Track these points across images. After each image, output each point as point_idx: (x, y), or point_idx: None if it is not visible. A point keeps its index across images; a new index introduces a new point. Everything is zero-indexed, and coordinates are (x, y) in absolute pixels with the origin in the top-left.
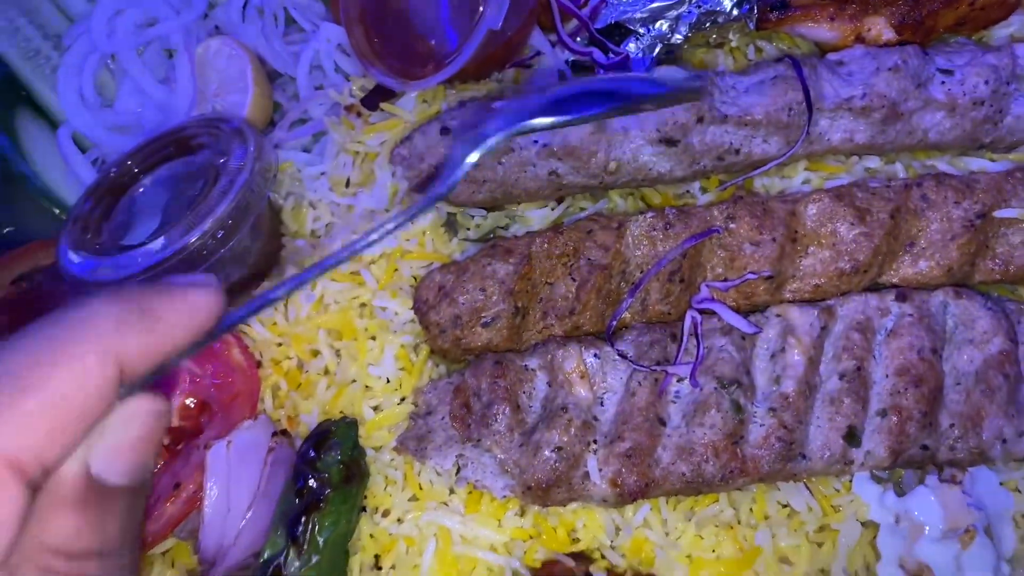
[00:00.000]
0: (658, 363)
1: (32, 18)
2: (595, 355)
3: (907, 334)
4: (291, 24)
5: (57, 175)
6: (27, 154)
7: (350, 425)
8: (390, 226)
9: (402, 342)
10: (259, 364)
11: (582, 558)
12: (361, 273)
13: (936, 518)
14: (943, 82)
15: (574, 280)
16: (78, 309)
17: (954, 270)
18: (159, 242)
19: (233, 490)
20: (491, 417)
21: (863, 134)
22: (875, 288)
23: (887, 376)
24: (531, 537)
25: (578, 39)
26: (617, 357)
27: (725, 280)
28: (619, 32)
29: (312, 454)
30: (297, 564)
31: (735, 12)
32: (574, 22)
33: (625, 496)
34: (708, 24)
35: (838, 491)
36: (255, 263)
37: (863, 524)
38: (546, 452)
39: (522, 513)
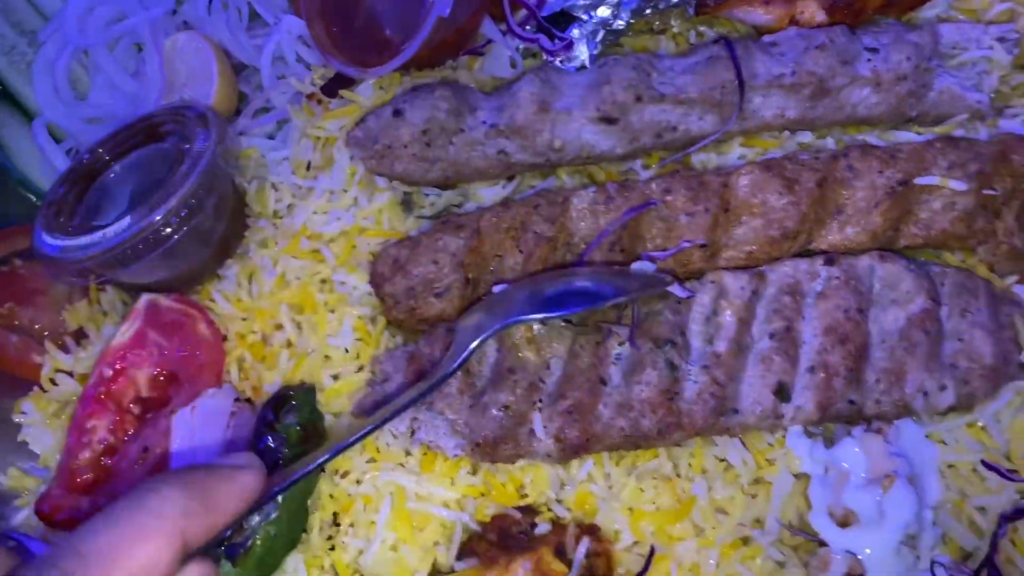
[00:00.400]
0: (598, 327)
1: (8, 16)
2: (542, 323)
3: (834, 296)
4: (256, 19)
5: (34, 165)
6: (5, 146)
7: (308, 390)
8: (405, 401)
9: (359, 314)
10: (225, 338)
11: (529, 511)
12: (321, 250)
13: (860, 466)
14: (869, 59)
15: (522, 252)
16: (151, 496)
17: (879, 235)
18: (125, 221)
19: (197, 452)
20: (444, 385)
21: (794, 110)
22: (805, 254)
23: (815, 335)
24: (482, 494)
25: (527, 27)
26: (563, 323)
27: (664, 250)
28: (564, 19)
29: (271, 417)
30: (257, 519)
31: None
32: (523, 11)
33: (568, 451)
34: (649, 10)
35: (772, 446)
36: (219, 243)
37: (796, 476)
38: (493, 411)
39: (474, 472)
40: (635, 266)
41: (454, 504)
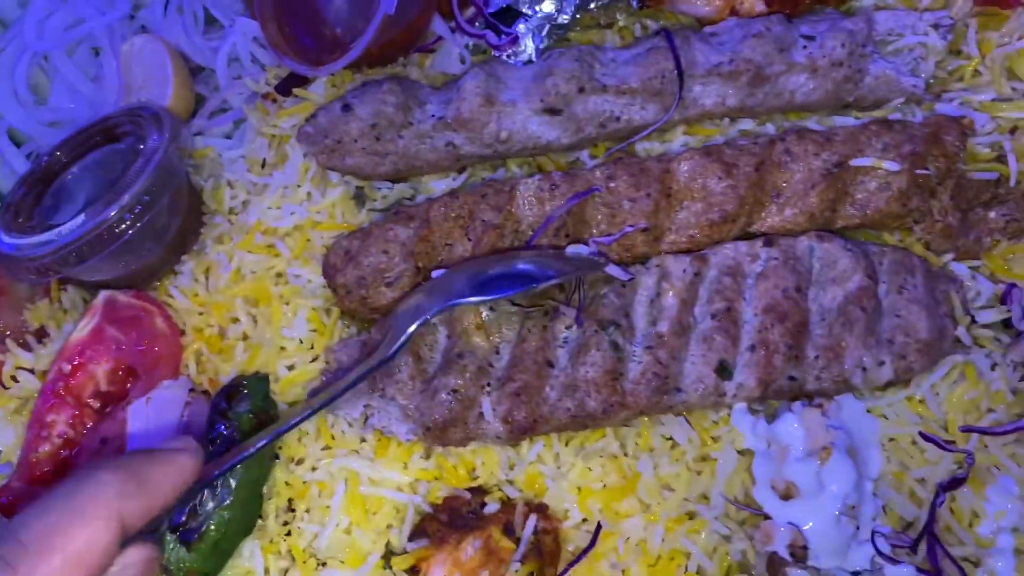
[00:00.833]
0: (546, 312)
1: None
2: (491, 308)
3: (774, 276)
4: (212, 22)
5: None
6: None
7: (260, 379)
8: (343, 386)
9: (313, 305)
10: (183, 332)
11: (480, 492)
12: (276, 245)
13: (799, 440)
14: (805, 46)
15: (470, 240)
16: (87, 480)
17: (816, 216)
18: (80, 219)
19: (152, 441)
20: (395, 368)
21: (734, 97)
22: (746, 237)
23: (756, 315)
24: (436, 478)
25: (476, 24)
26: (512, 309)
27: (609, 235)
28: (511, 15)
29: (224, 405)
30: (211, 504)
31: None
32: (472, 8)
33: (516, 432)
34: (594, 4)
35: (716, 423)
36: (175, 240)
37: (740, 452)
38: (443, 395)
39: (427, 456)
40: (570, 249)
41: (407, 487)
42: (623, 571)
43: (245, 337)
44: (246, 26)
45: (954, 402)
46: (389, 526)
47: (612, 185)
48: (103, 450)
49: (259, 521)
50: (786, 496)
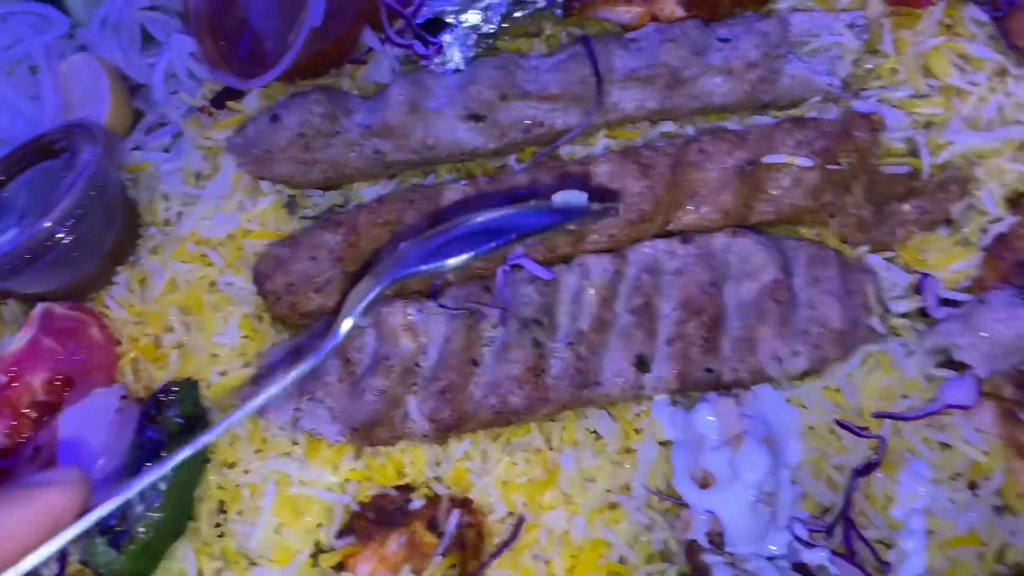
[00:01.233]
0: (472, 312)
1: None
2: (418, 310)
3: (690, 271)
4: (149, 40)
5: None
6: None
7: (190, 384)
8: (292, 376)
9: (245, 311)
10: (118, 342)
11: (408, 490)
12: (208, 254)
13: (713, 429)
14: (720, 49)
15: (397, 238)
16: None
17: (731, 213)
18: (12, 232)
19: (83, 447)
20: (324, 371)
21: (653, 101)
22: (665, 235)
23: (673, 310)
24: (365, 478)
25: (404, 35)
26: (439, 311)
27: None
28: (438, 25)
29: (154, 411)
30: (141, 507)
31: (542, 2)
32: (402, 20)
33: (442, 430)
34: (519, 13)
35: (639, 415)
36: (111, 251)
37: (662, 443)
38: (369, 396)
39: (357, 456)
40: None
41: (337, 488)
42: (546, 562)
43: (180, 345)
44: (182, 42)
45: (869, 390)
46: (319, 525)
47: (535, 187)
48: (36, 458)
49: (191, 523)
50: (704, 485)
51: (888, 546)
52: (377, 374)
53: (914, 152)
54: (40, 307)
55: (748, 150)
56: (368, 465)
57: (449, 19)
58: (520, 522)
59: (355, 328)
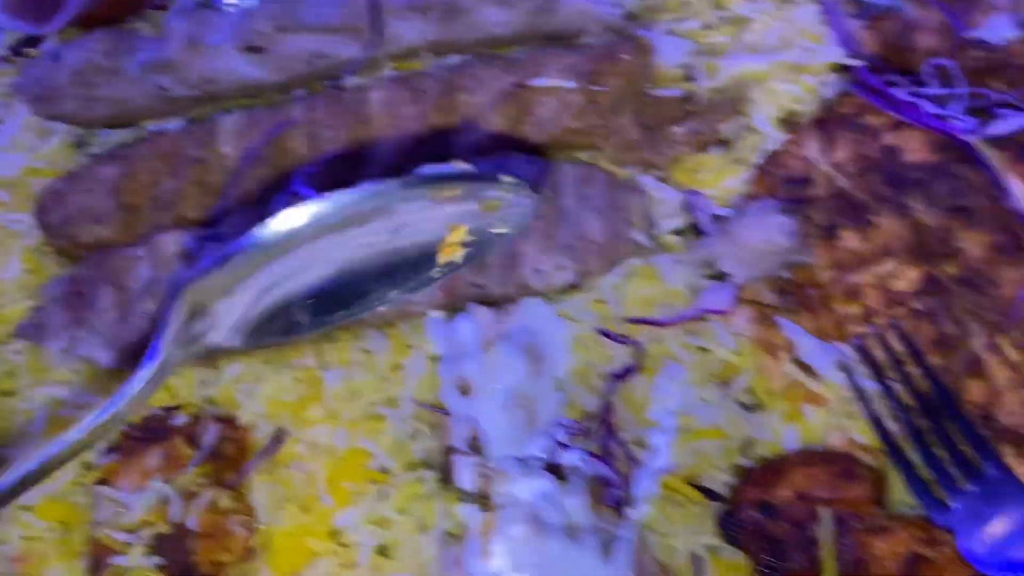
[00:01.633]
0: None
1: None
2: (192, 238)
3: None
4: None
5: None
6: None
7: None
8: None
9: (26, 245)
10: None
11: (177, 410)
12: None
13: (471, 337)
14: None
15: (175, 177)
16: None
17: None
18: None
19: None
20: (98, 300)
21: (431, 32)
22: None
23: None
24: None
25: None
26: (214, 241)
27: (311, 165)
28: None
29: None
30: None
31: None
32: None
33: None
34: None
35: (411, 332)
36: None
37: (432, 358)
38: (137, 319)
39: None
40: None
41: None
42: (307, 474)
43: None
44: None
45: (634, 301)
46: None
47: (312, 115)
48: None
49: None
50: (464, 392)
51: (644, 447)
52: (146, 299)
53: (690, 77)
54: None
55: (517, 75)
56: None
57: None
58: (280, 433)
59: (131, 259)
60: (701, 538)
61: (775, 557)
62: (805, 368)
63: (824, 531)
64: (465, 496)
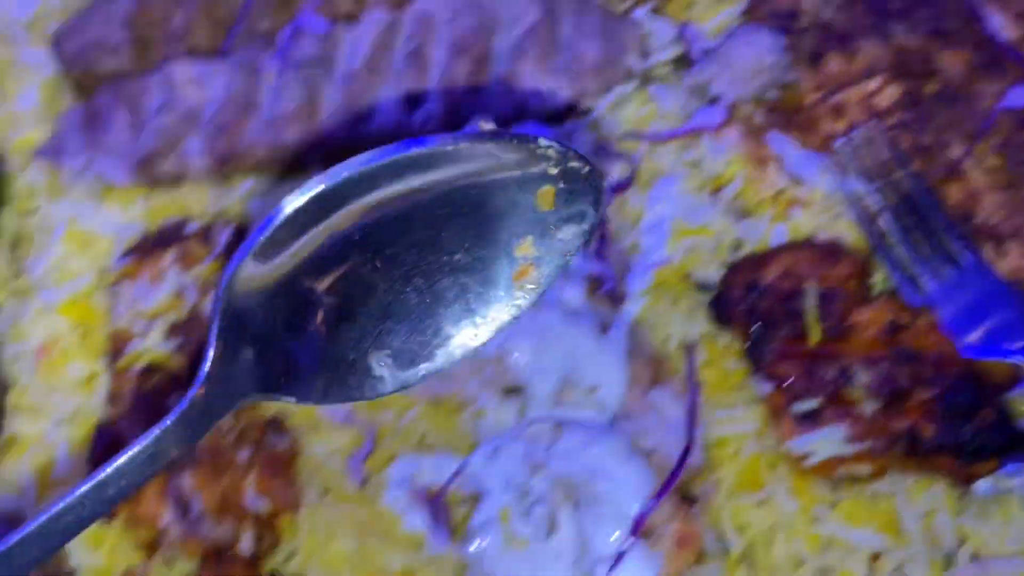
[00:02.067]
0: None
1: None
2: (204, 64)
3: (461, 19)
4: None
5: None
6: None
7: None
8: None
9: (44, 77)
10: None
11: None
12: (16, 34)
13: None
14: None
15: (186, 9)
16: None
17: None
18: None
19: None
20: (113, 122)
21: None
22: None
23: (444, 53)
24: (153, 216)
25: None
26: (224, 66)
27: None
28: None
29: None
30: None
31: None
32: None
33: (219, 163)
34: None
35: None
36: None
37: None
38: (152, 135)
39: (147, 199)
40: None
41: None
42: None
43: None
44: None
45: (627, 123)
46: (106, 254)
47: None
48: None
49: None
50: None
51: (638, 251)
52: (162, 117)
53: None
54: None
55: None
56: (153, 207)
57: None
58: None
59: (146, 84)
60: (693, 328)
61: (764, 329)
62: (792, 177)
63: (809, 301)
64: None
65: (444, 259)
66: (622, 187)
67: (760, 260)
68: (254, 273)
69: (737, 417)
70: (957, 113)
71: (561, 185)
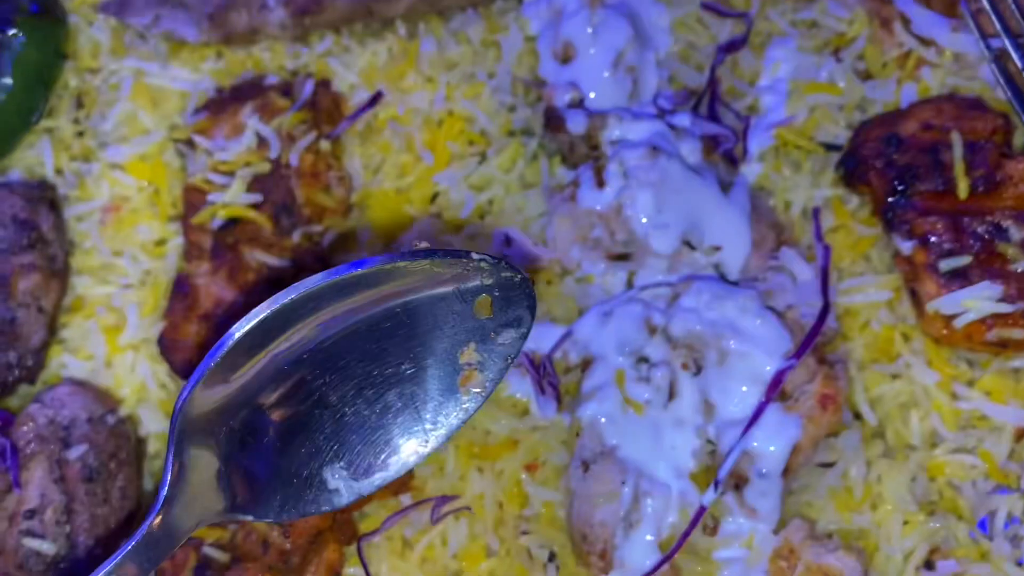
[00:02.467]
0: None
1: None
2: None
3: None
4: None
5: None
6: None
7: None
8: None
9: None
10: None
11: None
12: None
13: None
14: None
15: None
16: None
17: None
18: None
19: None
20: None
21: None
22: None
23: None
24: (227, 74)
25: None
26: None
27: None
28: None
29: None
30: None
31: None
32: None
33: (298, 14)
34: None
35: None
36: None
37: (529, 39)
38: None
39: (219, 57)
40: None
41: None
42: (405, 136)
43: None
44: None
45: None
46: (177, 111)
47: None
48: None
49: (50, 122)
50: (565, 59)
51: (756, 112)
52: None
53: None
54: None
55: None
56: (229, 64)
57: None
58: (378, 94)
59: None
60: (818, 192)
61: (904, 184)
62: (919, 38)
63: (955, 151)
64: (575, 142)
65: (391, 371)
66: (735, 46)
67: (895, 116)
68: (207, 398)
69: (868, 285)
70: None
71: (496, 293)
